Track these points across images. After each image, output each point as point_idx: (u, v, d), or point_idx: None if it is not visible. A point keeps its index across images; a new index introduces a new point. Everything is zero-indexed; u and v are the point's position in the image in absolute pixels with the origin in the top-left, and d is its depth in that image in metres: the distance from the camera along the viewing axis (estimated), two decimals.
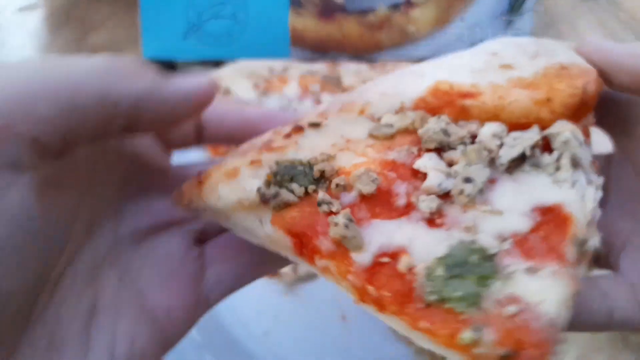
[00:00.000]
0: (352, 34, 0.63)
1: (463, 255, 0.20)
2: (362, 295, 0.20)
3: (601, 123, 0.27)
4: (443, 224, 0.21)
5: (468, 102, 0.22)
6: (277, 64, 0.58)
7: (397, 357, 0.40)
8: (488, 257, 0.20)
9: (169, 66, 0.63)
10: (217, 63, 0.59)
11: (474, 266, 0.20)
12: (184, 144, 0.26)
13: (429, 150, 0.22)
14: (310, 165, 0.22)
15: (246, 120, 0.25)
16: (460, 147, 0.22)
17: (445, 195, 0.21)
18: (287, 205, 0.21)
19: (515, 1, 0.62)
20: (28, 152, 0.17)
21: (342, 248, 0.20)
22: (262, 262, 0.25)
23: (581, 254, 0.20)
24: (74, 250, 0.21)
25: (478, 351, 0.18)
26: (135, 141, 0.24)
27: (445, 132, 0.22)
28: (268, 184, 0.22)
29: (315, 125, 0.23)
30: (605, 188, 0.27)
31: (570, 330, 0.25)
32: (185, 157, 0.28)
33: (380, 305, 0.20)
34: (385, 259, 0.20)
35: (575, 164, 0.21)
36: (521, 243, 0.20)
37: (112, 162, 0.23)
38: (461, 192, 0.21)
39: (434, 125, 0.22)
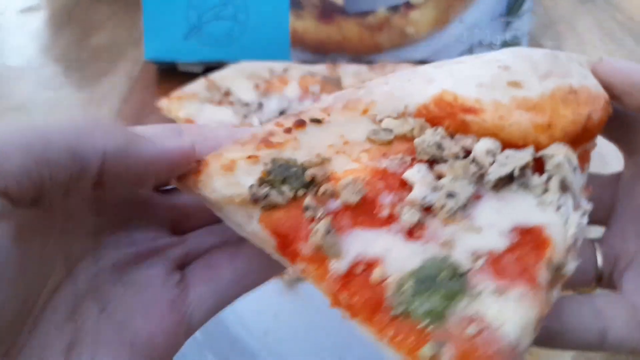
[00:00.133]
0: (351, 36, 0.63)
1: (434, 271, 0.20)
2: (336, 300, 0.21)
3: (614, 139, 0.27)
4: (421, 237, 0.21)
5: (469, 117, 0.22)
6: (278, 65, 0.59)
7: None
8: (458, 275, 0.20)
9: (170, 67, 0.64)
10: (217, 64, 0.60)
11: (443, 282, 0.20)
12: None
13: (421, 161, 0.22)
14: (303, 168, 0.22)
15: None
16: (451, 161, 0.22)
17: (429, 209, 0.21)
18: (275, 206, 0.22)
19: (514, 2, 0.63)
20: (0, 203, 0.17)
21: (321, 254, 0.21)
22: (243, 280, 0.25)
23: (555, 278, 0.20)
24: (54, 287, 0.21)
25: None
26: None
27: (439, 146, 0.22)
28: (261, 182, 0.22)
29: (317, 121, 0.24)
30: (612, 207, 0.27)
31: (561, 349, 0.25)
32: None
33: (351, 311, 0.20)
34: (360, 269, 0.20)
35: (565, 187, 0.21)
36: (495, 262, 0.20)
37: (89, 200, 0.23)
38: (443, 206, 0.21)
39: (429, 138, 0.22)
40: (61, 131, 0.19)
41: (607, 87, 0.24)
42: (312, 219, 0.21)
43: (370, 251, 0.21)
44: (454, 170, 0.21)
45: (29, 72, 0.66)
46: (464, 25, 0.63)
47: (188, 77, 0.58)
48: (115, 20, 0.76)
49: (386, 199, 0.22)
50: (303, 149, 0.23)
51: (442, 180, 0.22)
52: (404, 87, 0.24)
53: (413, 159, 0.22)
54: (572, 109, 0.22)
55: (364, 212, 0.21)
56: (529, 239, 0.20)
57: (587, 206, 0.22)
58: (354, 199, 0.21)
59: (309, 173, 0.22)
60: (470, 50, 0.64)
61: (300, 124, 0.23)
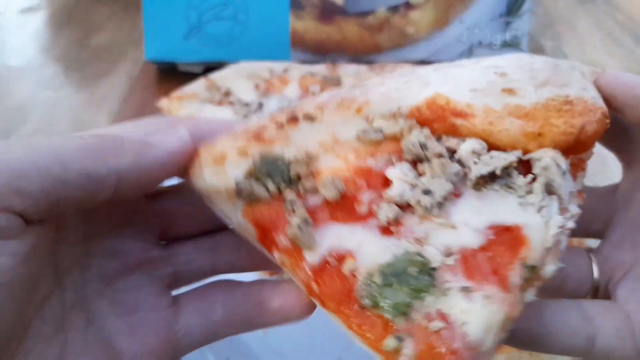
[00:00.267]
0: (351, 36, 0.63)
1: (403, 266, 0.20)
2: (309, 290, 0.22)
3: (614, 149, 0.26)
4: (397, 233, 0.21)
5: (459, 121, 0.22)
6: (278, 65, 0.59)
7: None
8: (428, 270, 0.20)
9: (170, 67, 0.64)
10: (217, 64, 0.60)
11: (411, 277, 0.20)
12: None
13: (407, 160, 0.22)
14: (289, 164, 0.23)
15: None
16: (432, 160, 0.22)
17: (409, 206, 0.22)
18: (259, 200, 0.22)
19: (513, 2, 0.63)
20: (14, 223, 0.18)
21: (296, 246, 0.21)
22: (235, 320, 0.25)
23: (530, 279, 0.20)
24: (42, 300, 0.21)
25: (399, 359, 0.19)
26: None
27: (423, 146, 0.22)
28: (248, 176, 0.22)
29: (310, 118, 0.24)
30: (609, 219, 0.27)
31: (545, 352, 0.24)
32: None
33: (322, 301, 0.21)
34: (333, 261, 0.21)
35: (550, 190, 0.21)
36: (466, 260, 0.20)
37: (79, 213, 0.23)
38: (418, 203, 0.21)
39: (413, 138, 0.22)
40: (76, 153, 0.20)
41: (608, 98, 0.23)
42: (292, 213, 0.22)
43: (344, 244, 0.21)
44: (432, 168, 0.22)
45: (29, 72, 0.66)
46: (464, 25, 0.63)
47: (188, 77, 0.58)
48: (115, 20, 0.76)
49: (366, 196, 0.22)
50: (292, 145, 0.23)
51: (422, 179, 0.22)
52: (399, 89, 0.24)
53: (399, 159, 0.23)
54: (564, 119, 0.21)
55: (343, 208, 0.22)
56: (506, 238, 0.20)
57: (575, 211, 0.22)
58: (331, 195, 0.22)
59: (294, 170, 0.22)
60: (470, 50, 0.64)
61: (293, 120, 0.24)
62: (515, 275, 0.20)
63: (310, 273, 0.21)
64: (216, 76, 0.57)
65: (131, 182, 0.21)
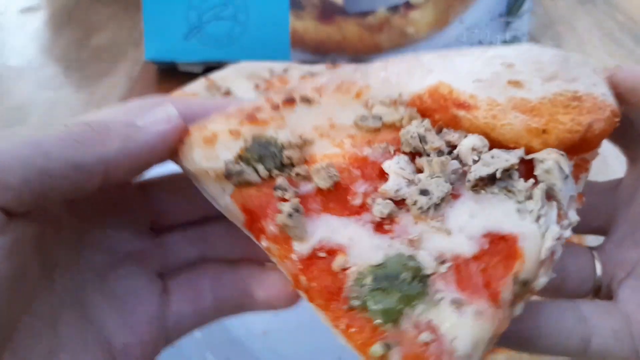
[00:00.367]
0: (351, 36, 0.63)
1: (396, 269, 0.19)
2: (296, 283, 0.21)
3: (620, 145, 0.26)
4: (390, 231, 0.20)
5: (461, 112, 0.21)
6: (278, 65, 0.59)
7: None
8: (420, 277, 0.19)
9: (170, 67, 0.64)
10: (217, 64, 0.60)
11: (403, 283, 0.19)
12: None
13: (405, 152, 0.22)
14: (282, 148, 0.22)
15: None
16: (432, 156, 0.21)
17: (402, 202, 0.21)
18: (248, 183, 0.21)
19: (513, 2, 0.63)
20: None
21: (285, 235, 0.20)
22: (223, 306, 0.25)
23: (521, 292, 0.20)
24: (31, 294, 0.20)
25: None
26: None
27: (423, 139, 0.21)
28: (238, 158, 0.21)
29: (307, 100, 0.23)
30: (611, 215, 0.26)
31: (540, 353, 0.24)
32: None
33: (309, 295, 0.20)
34: (323, 254, 0.20)
35: (550, 196, 0.20)
36: (459, 269, 0.19)
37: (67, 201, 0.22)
38: (415, 203, 0.20)
39: (413, 129, 0.21)
40: (60, 143, 0.19)
41: (624, 94, 0.22)
42: (282, 199, 0.21)
43: (335, 238, 0.20)
44: (431, 167, 0.21)
45: (29, 72, 0.66)
46: (463, 25, 0.63)
47: (188, 77, 0.58)
48: (115, 20, 0.76)
49: (361, 188, 0.21)
50: (287, 128, 0.22)
51: (420, 175, 0.21)
52: (400, 74, 0.23)
53: (397, 150, 0.22)
54: (572, 116, 0.20)
55: (336, 198, 0.21)
56: (500, 248, 0.20)
57: (574, 218, 0.21)
58: (325, 184, 0.21)
59: (286, 154, 0.21)
60: None
61: (290, 101, 0.23)
62: (506, 291, 0.19)
63: (298, 265, 0.20)
64: (216, 76, 0.57)
65: (120, 169, 0.20)
